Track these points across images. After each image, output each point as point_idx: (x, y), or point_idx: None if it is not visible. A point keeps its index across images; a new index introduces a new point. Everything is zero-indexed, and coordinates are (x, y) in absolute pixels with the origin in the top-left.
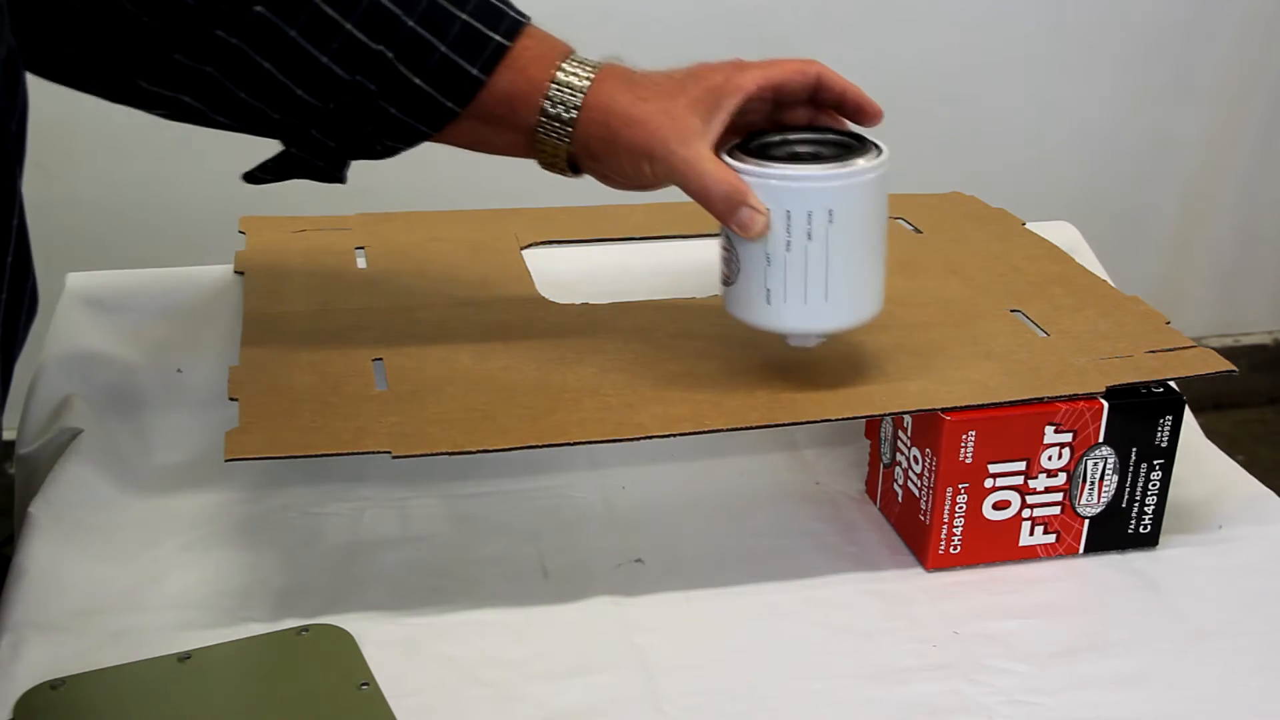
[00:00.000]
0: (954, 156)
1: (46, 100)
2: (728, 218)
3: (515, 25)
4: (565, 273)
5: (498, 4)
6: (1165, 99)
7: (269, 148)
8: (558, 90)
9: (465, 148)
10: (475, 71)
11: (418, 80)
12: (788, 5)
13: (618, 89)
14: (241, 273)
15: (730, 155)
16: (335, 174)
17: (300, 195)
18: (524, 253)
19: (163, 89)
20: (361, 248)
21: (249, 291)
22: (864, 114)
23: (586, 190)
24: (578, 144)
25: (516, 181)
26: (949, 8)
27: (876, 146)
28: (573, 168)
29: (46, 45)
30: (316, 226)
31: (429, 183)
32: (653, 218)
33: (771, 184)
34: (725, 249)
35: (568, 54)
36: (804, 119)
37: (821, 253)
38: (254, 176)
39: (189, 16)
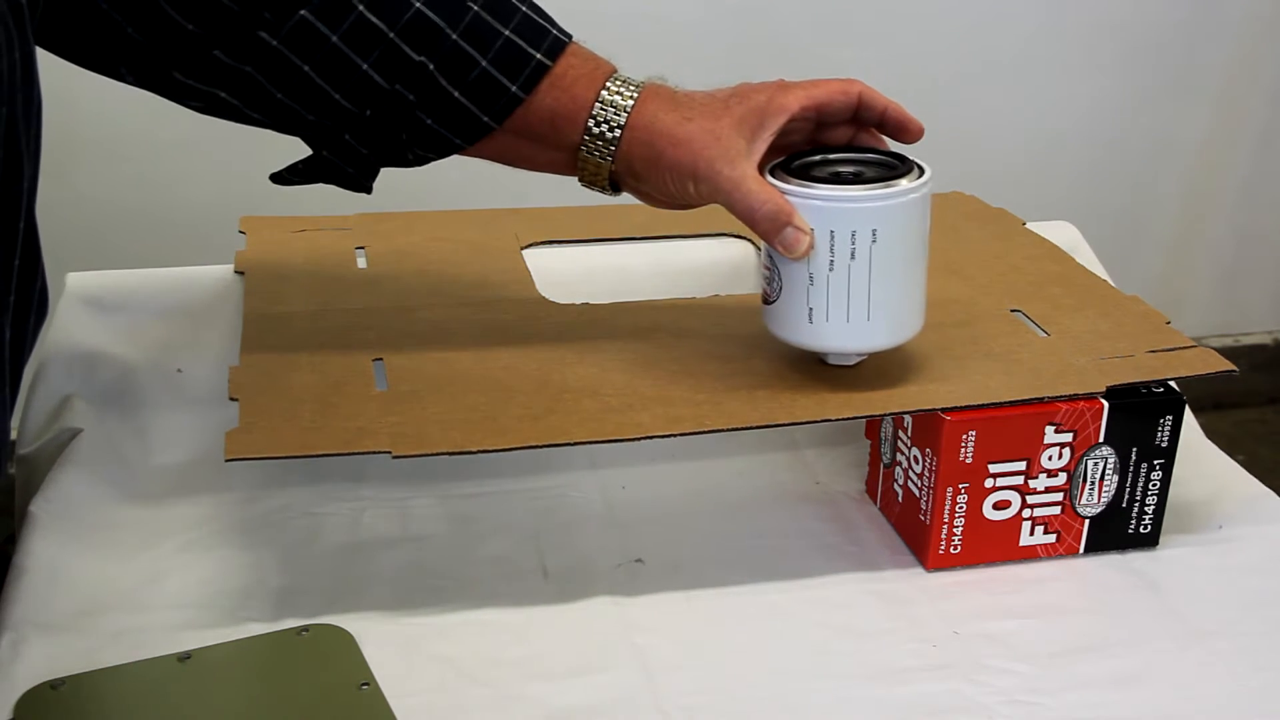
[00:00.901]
0: (954, 156)
1: (46, 100)
2: (772, 237)
3: (558, 44)
4: (565, 273)
5: (541, 22)
6: (1165, 99)
7: (272, 150)
8: (602, 109)
9: (503, 163)
10: (515, 89)
11: (457, 93)
12: (788, 7)
13: (661, 108)
14: (241, 273)
15: (773, 175)
16: (363, 182)
17: (300, 195)
18: (524, 253)
19: (199, 83)
20: (361, 248)
21: (249, 291)
22: (906, 131)
23: (587, 190)
24: (620, 163)
25: (516, 181)
26: (949, 8)
27: (919, 166)
28: (613, 186)
29: (77, 30)
30: (316, 226)
31: (429, 183)
32: (653, 218)
33: (816, 204)
34: (767, 268)
35: (611, 73)
36: (844, 138)
37: (864, 272)
38: (281, 178)
39: (232, 20)
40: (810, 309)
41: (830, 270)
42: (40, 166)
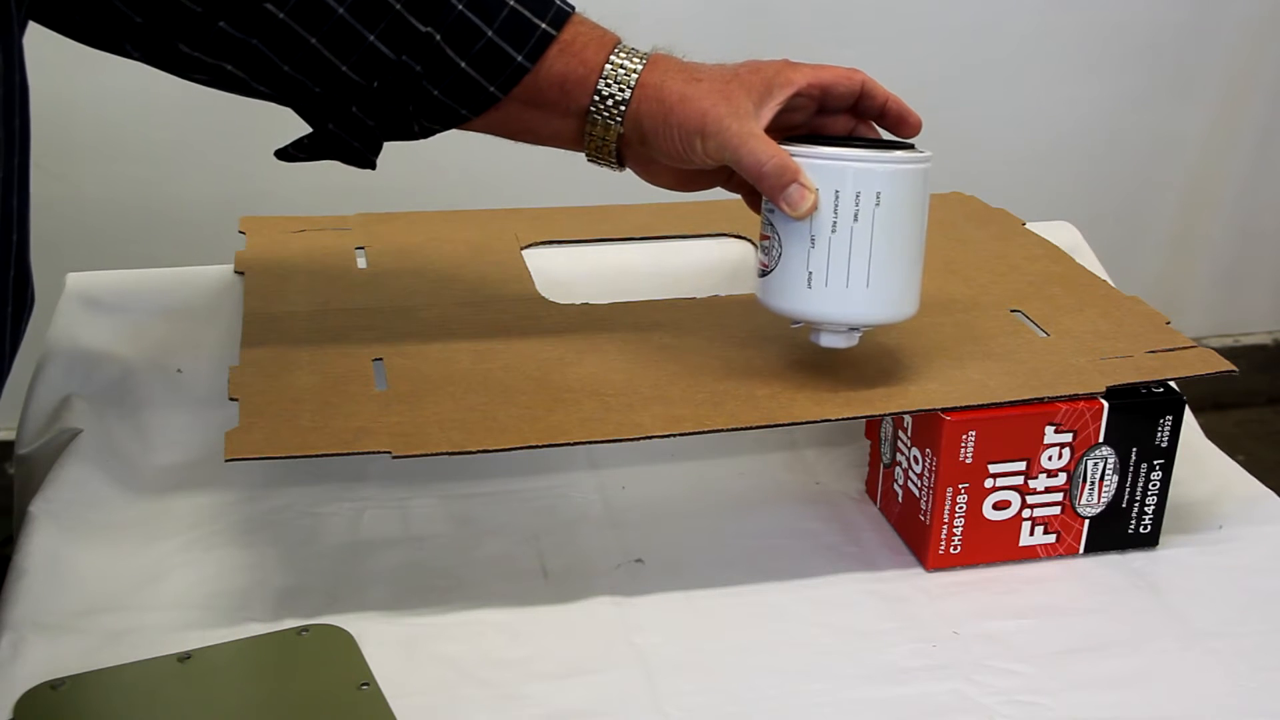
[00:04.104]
0: (954, 156)
1: (47, 100)
2: (777, 194)
3: (562, 15)
4: (565, 273)
5: None
6: (1165, 99)
7: (273, 150)
8: (613, 70)
9: (508, 136)
10: (520, 59)
11: (463, 64)
12: (788, 7)
13: (670, 70)
14: (241, 273)
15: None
16: (368, 157)
17: (300, 195)
18: (524, 253)
19: (205, 55)
20: (361, 248)
21: (249, 291)
22: (905, 124)
23: (586, 190)
24: (629, 125)
25: (516, 181)
26: (949, 8)
27: (921, 151)
28: (618, 157)
29: (80, 10)
30: (316, 226)
31: (429, 183)
32: (653, 218)
33: (822, 164)
34: (766, 236)
35: (618, 41)
36: (844, 128)
37: (866, 235)
38: (287, 154)
39: None
40: (810, 273)
41: (833, 232)
42: (38, 166)
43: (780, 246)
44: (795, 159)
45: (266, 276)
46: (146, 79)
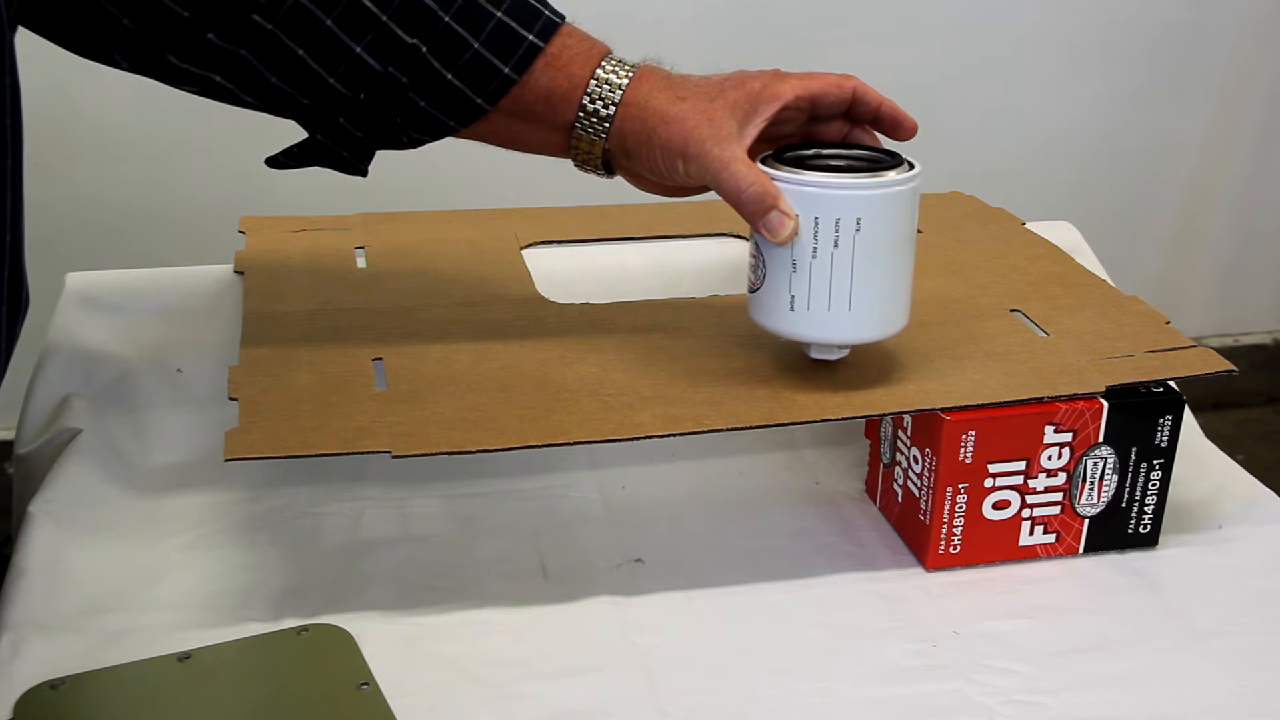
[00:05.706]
0: (954, 156)
1: (47, 99)
2: (757, 220)
3: (550, 25)
4: (565, 273)
5: (534, 3)
6: (1165, 99)
7: (272, 150)
8: (597, 86)
9: (497, 145)
10: (507, 70)
11: (450, 76)
12: (787, 7)
13: (656, 87)
14: (241, 273)
15: (763, 164)
16: (358, 165)
17: (300, 195)
18: (524, 253)
19: (193, 67)
20: (361, 248)
21: (249, 291)
22: (900, 128)
23: (586, 190)
24: (614, 141)
25: (516, 181)
26: (949, 7)
27: (909, 162)
28: (606, 168)
29: (70, 18)
30: (316, 226)
31: (429, 183)
32: (653, 218)
33: (802, 190)
34: (753, 255)
35: (606, 53)
36: (838, 134)
37: (847, 261)
38: (277, 161)
39: (226, 4)
40: (792, 296)
41: (813, 258)
42: (39, 166)
43: (765, 267)
44: (776, 183)
45: (266, 276)
46: (146, 79)
